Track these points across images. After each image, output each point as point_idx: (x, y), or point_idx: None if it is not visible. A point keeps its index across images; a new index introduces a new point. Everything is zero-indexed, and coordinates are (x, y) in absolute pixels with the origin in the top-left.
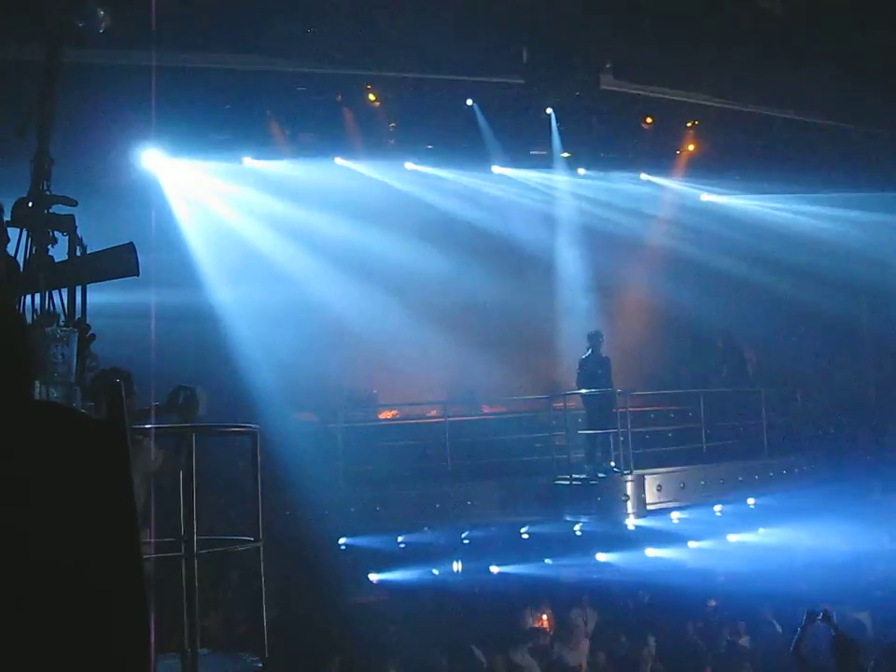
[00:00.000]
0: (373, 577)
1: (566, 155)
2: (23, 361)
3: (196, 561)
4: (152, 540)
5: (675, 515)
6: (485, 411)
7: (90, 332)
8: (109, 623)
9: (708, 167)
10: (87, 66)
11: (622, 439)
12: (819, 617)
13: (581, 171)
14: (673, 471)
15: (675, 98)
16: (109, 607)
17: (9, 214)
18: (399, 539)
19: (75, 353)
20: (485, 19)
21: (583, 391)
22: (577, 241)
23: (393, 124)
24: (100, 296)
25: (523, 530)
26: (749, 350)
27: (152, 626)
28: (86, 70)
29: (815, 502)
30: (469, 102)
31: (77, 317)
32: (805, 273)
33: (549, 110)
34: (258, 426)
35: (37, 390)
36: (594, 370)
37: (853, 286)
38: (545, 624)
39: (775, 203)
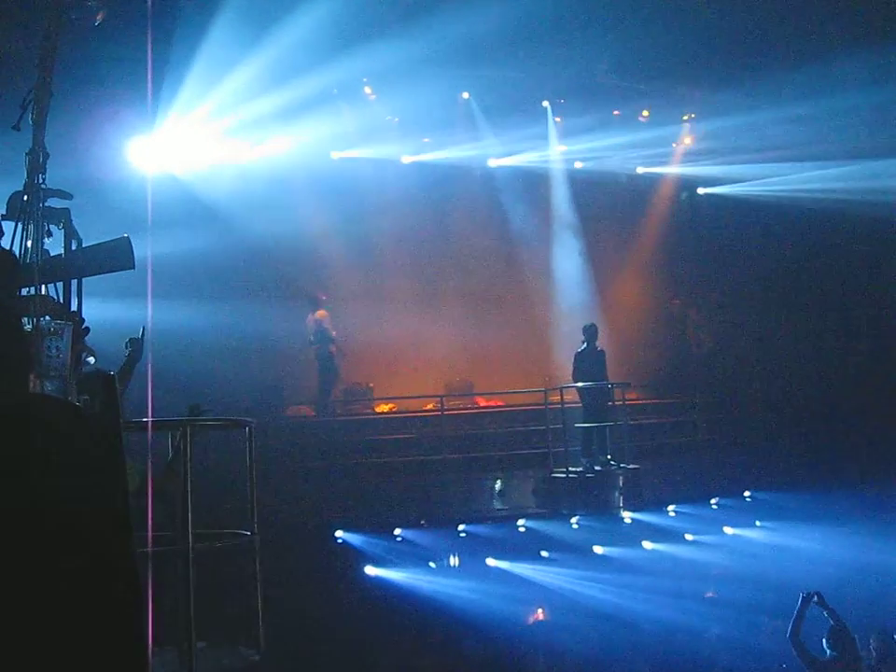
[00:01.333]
0: (370, 570)
1: (562, 147)
2: (19, 356)
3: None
4: (148, 534)
5: (671, 508)
6: (481, 404)
7: (84, 325)
8: (105, 613)
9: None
10: (82, 59)
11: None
12: (815, 600)
13: (578, 164)
14: (669, 464)
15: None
16: (105, 594)
17: (4, 207)
18: (396, 532)
19: (69, 346)
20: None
21: (580, 384)
22: (573, 233)
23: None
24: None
25: (520, 523)
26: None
27: (148, 616)
28: (81, 63)
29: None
30: (466, 95)
31: (71, 310)
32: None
33: (545, 103)
34: (253, 419)
35: (31, 383)
36: (590, 363)
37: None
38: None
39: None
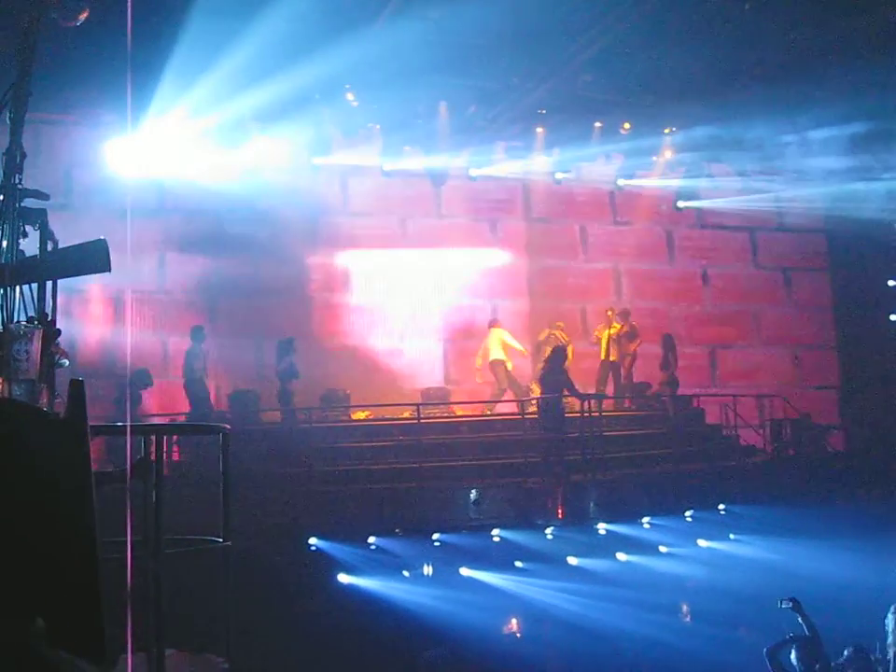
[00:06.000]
0: (343, 578)
1: (544, 158)
2: None
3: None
4: (118, 539)
5: (646, 520)
6: (458, 413)
7: (55, 328)
8: (67, 616)
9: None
10: (62, 59)
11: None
12: (789, 605)
13: (560, 175)
14: (644, 476)
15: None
16: (68, 598)
17: None
18: (371, 540)
19: (38, 350)
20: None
21: (552, 395)
22: (553, 244)
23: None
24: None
25: (494, 533)
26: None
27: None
28: (61, 62)
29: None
30: (448, 104)
31: (44, 313)
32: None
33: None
34: (228, 425)
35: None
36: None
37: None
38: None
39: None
